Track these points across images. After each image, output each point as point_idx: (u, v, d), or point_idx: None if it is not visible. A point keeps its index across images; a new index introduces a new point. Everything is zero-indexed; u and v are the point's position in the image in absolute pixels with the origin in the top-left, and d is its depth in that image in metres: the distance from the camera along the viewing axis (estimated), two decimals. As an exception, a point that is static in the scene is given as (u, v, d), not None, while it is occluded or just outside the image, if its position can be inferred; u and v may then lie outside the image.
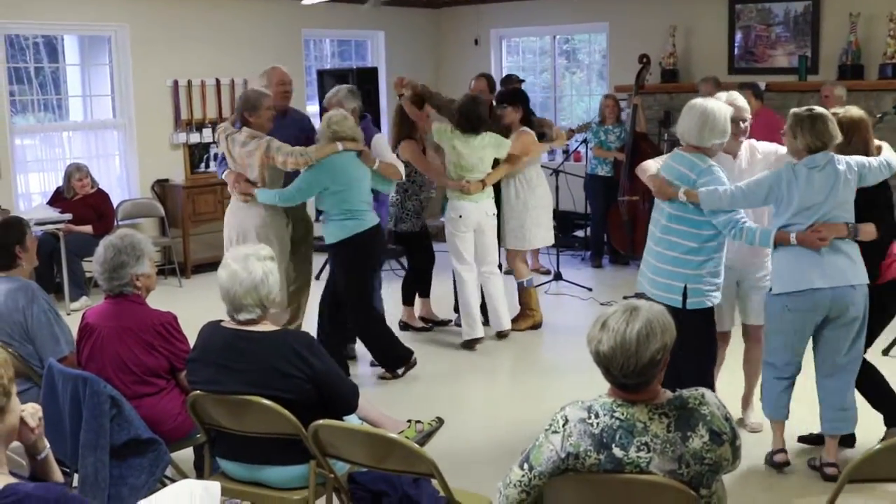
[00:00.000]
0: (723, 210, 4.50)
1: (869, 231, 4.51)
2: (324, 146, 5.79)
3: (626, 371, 2.72)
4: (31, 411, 2.57)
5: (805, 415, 4.95)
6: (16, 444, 2.67)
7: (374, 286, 6.36)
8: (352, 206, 5.87)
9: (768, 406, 4.73)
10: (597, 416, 2.76)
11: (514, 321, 7.38)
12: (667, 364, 2.80)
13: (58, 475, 2.74)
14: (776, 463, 4.72)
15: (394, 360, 6.25)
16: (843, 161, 4.45)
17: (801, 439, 5.01)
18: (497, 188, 7.19)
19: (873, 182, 4.56)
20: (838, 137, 4.45)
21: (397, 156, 6.71)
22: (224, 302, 3.66)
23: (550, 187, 8.78)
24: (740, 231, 4.50)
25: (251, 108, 5.80)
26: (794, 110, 4.54)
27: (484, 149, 6.85)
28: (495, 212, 7.10)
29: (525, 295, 7.49)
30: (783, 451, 4.75)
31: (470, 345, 6.98)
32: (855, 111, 4.70)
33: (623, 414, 2.75)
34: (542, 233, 7.48)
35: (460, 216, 6.90)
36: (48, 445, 2.72)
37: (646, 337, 2.72)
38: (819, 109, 4.50)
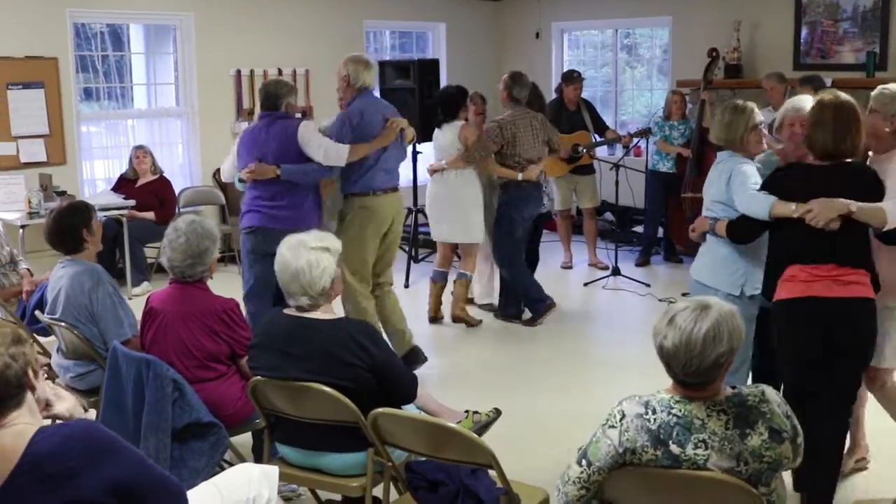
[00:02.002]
0: None
1: (720, 228, 4.35)
2: None
3: (687, 370, 2.71)
4: (49, 389, 2.76)
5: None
6: None
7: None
8: None
9: None
10: (654, 411, 2.75)
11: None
12: (730, 366, 2.77)
13: None
14: None
15: None
16: (733, 163, 4.33)
17: None
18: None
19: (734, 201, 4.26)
20: (731, 132, 4.39)
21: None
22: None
23: (610, 182, 8.79)
24: None
25: None
26: None
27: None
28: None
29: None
30: None
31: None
32: (829, 97, 4.07)
33: (681, 410, 2.73)
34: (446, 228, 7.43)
35: None
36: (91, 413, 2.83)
37: (712, 339, 2.69)
38: (735, 103, 4.46)
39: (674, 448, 2.70)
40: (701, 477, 2.69)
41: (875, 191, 3.93)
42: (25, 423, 2.52)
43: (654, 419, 2.73)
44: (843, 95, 4.05)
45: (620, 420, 2.76)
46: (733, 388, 2.81)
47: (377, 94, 7.45)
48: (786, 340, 4.02)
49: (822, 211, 3.85)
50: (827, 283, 3.87)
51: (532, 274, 7.54)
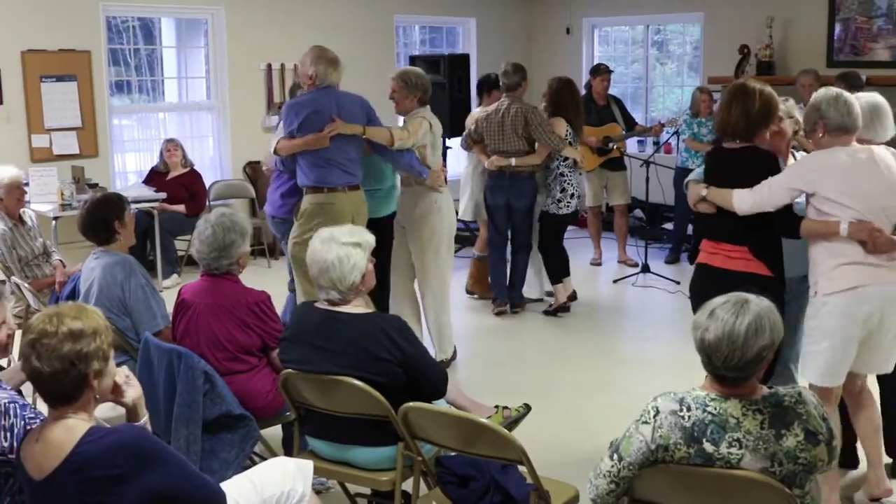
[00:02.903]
0: None
1: None
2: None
3: (728, 364, 2.68)
4: (119, 372, 2.76)
5: None
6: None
7: None
8: None
9: None
10: (689, 408, 2.73)
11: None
12: (769, 362, 2.75)
13: None
14: None
15: None
16: None
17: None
18: None
19: None
20: None
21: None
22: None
23: (640, 179, 8.76)
24: None
25: None
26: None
27: None
28: None
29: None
30: None
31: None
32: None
33: (716, 408, 2.71)
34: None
35: None
36: (147, 414, 2.83)
37: (754, 332, 2.68)
38: None
39: (707, 446, 2.68)
40: (734, 476, 2.67)
41: (757, 174, 4.09)
42: (78, 418, 2.55)
43: (689, 416, 2.71)
44: (749, 82, 4.29)
45: (654, 416, 2.74)
46: (770, 387, 2.79)
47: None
48: (695, 298, 4.28)
49: (689, 193, 4.34)
50: (721, 257, 4.23)
51: (503, 268, 7.70)
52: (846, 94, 4.04)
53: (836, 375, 4.04)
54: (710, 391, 2.76)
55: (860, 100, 4.22)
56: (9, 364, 5.17)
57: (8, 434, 2.77)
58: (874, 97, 4.31)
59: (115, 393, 2.74)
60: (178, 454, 2.71)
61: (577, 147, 7.59)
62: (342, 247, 3.64)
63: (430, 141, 6.07)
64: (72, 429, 2.53)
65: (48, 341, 2.50)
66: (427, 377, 3.66)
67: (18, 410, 2.81)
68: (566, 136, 7.33)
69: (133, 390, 2.78)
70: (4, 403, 2.80)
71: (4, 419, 2.78)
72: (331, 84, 5.81)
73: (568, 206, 7.45)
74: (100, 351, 2.55)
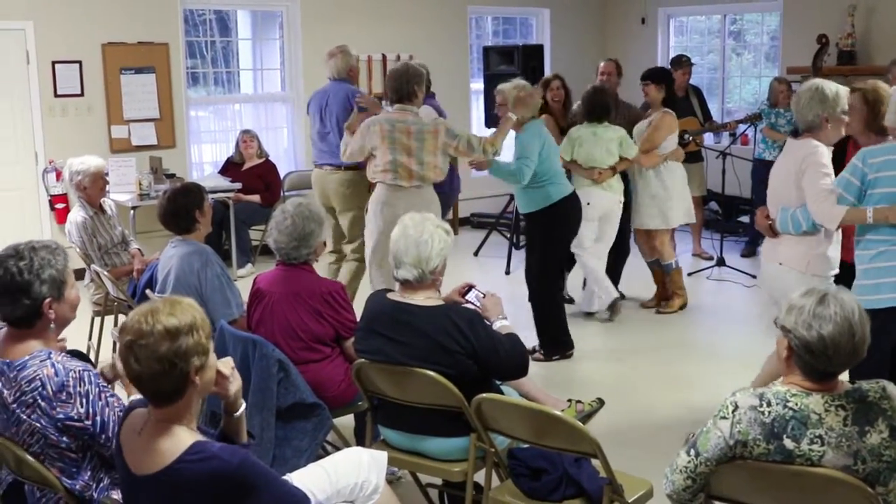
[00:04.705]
0: None
1: None
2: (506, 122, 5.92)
3: (851, 356, 2.63)
4: (225, 363, 2.72)
5: None
6: None
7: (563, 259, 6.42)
8: (557, 170, 6.14)
9: None
10: (769, 404, 2.67)
11: (663, 302, 7.47)
12: None
13: (244, 437, 2.84)
14: None
15: (557, 346, 6.30)
16: None
17: None
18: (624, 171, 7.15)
19: None
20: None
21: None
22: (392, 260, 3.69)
23: (716, 170, 8.62)
24: None
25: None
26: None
27: (611, 141, 6.88)
28: (622, 199, 7.09)
29: (675, 275, 7.43)
30: None
31: (615, 307, 7.12)
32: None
33: (797, 404, 2.65)
34: (682, 212, 7.37)
35: (588, 203, 6.70)
36: (244, 405, 2.82)
37: (866, 318, 2.64)
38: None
39: (788, 443, 2.62)
40: (815, 474, 2.61)
41: None
42: (183, 426, 2.52)
43: (769, 412, 2.65)
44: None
45: (733, 412, 2.69)
46: (852, 382, 2.72)
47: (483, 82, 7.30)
48: None
49: None
50: None
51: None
52: (801, 92, 4.42)
53: None
54: (790, 386, 2.70)
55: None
56: (90, 353, 5.29)
57: (84, 400, 2.87)
58: None
59: (220, 385, 2.68)
60: (270, 470, 2.66)
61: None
62: (436, 228, 3.66)
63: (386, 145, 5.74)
64: (176, 439, 2.48)
65: (145, 342, 2.43)
66: (505, 366, 3.62)
67: (93, 378, 2.92)
68: None
69: (236, 382, 2.73)
70: (79, 370, 2.91)
71: (80, 385, 2.89)
72: (331, 76, 6.98)
73: None
74: (199, 346, 2.48)
